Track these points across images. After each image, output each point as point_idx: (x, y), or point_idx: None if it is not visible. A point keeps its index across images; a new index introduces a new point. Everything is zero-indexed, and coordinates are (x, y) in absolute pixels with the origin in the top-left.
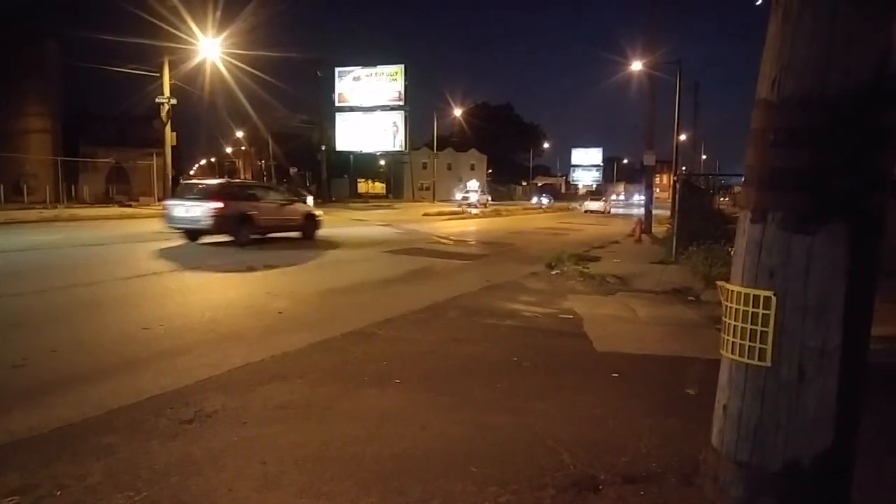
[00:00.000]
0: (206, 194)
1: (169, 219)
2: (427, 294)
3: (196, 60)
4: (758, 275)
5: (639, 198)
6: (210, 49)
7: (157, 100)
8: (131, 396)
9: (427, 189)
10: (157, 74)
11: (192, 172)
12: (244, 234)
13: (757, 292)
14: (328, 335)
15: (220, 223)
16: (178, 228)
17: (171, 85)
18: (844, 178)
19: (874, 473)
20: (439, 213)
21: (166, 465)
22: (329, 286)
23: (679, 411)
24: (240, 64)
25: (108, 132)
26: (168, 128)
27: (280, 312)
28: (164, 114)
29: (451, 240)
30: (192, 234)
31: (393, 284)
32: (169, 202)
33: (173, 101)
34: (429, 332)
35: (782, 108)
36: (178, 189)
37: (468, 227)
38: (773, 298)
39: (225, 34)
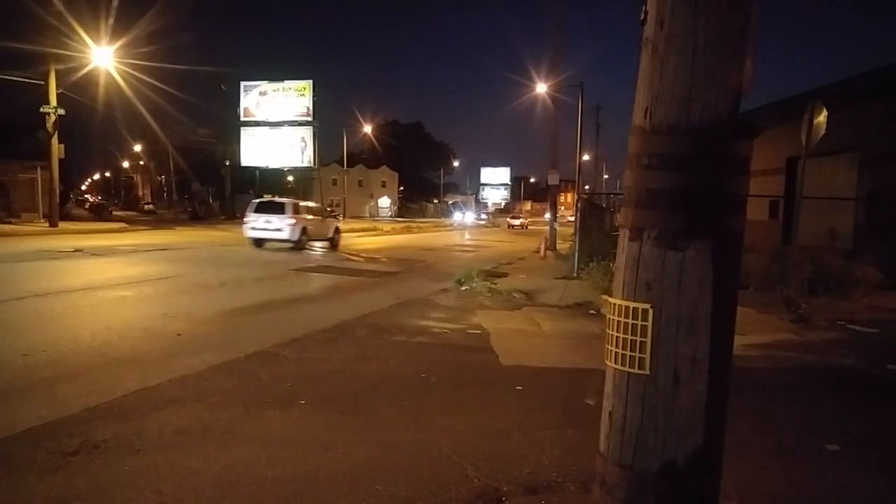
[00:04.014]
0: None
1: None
2: (335, 312)
3: (87, 69)
4: (636, 288)
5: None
6: (103, 58)
7: (41, 109)
8: (4, 430)
9: (338, 206)
10: (42, 83)
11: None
12: None
13: (636, 305)
14: (230, 357)
15: None
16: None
17: (58, 94)
18: (708, 200)
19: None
20: (350, 230)
21: (44, 502)
22: (232, 306)
23: (579, 422)
24: (138, 74)
25: None
26: (55, 139)
27: (179, 335)
28: (49, 124)
29: (361, 257)
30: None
31: (300, 303)
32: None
33: (61, 112)
34: (336, 352)
35: (654, 135)
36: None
37: (380, 244)
38: (651, 310)
39: (120, 43)
